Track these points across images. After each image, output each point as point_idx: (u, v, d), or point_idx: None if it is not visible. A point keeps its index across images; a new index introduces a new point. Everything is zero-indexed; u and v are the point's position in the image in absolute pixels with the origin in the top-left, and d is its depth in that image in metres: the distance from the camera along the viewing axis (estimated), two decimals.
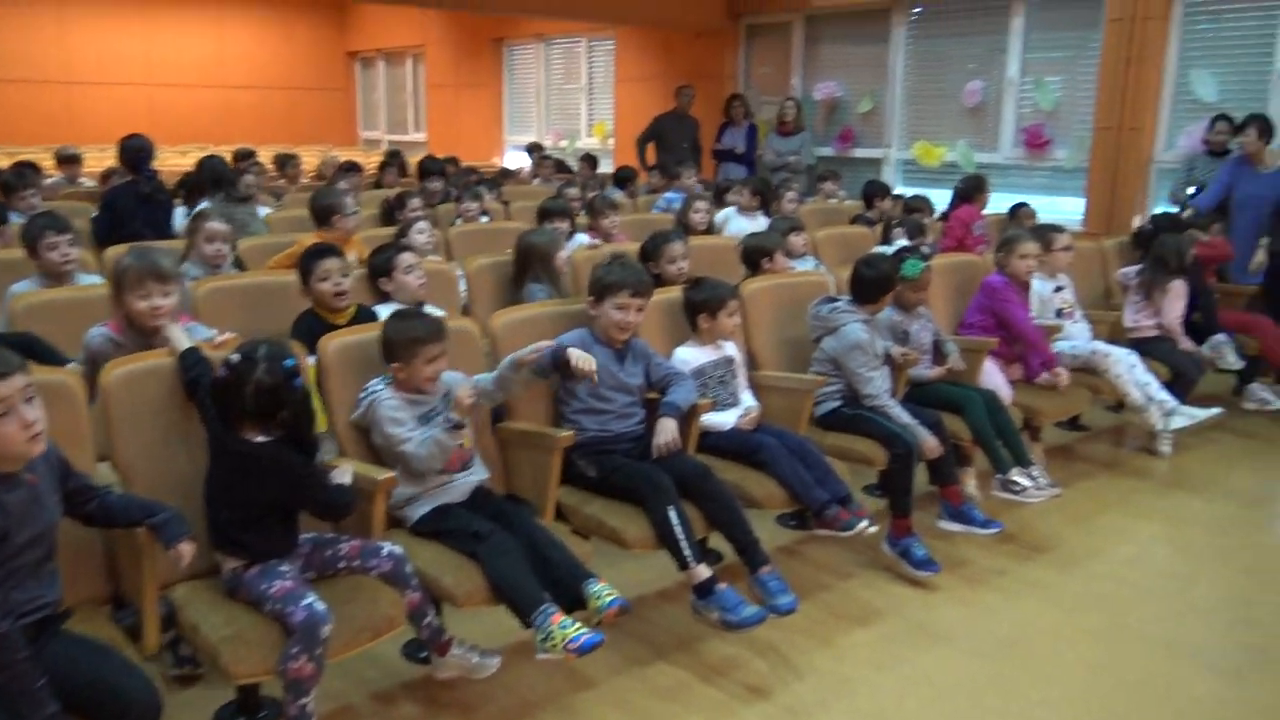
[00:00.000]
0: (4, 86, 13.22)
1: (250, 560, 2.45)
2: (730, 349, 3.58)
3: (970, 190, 6.48)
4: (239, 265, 4.47)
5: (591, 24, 11.34)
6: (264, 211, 6.32)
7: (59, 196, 6.89)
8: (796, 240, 5.14)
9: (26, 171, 6.12)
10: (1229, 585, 3.65)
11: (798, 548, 3.90)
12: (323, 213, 4.77)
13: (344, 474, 2.58)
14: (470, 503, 2.90)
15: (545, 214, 5.24)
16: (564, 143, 12.38)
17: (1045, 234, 4.88)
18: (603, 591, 2.61)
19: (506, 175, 8.86)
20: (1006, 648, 3.18)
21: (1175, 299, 5.08)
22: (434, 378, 2.86)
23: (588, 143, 12.12)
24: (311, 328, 3.32)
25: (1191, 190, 6.49)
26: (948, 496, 3.75)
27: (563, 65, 12.63)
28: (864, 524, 3.22)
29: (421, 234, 5.01)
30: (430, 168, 7.32)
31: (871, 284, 3.76)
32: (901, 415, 3.63)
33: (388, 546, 2.60)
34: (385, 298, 3.93)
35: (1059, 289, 4.90)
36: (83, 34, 13.83)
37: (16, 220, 5.37)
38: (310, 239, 4.64)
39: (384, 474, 2.67)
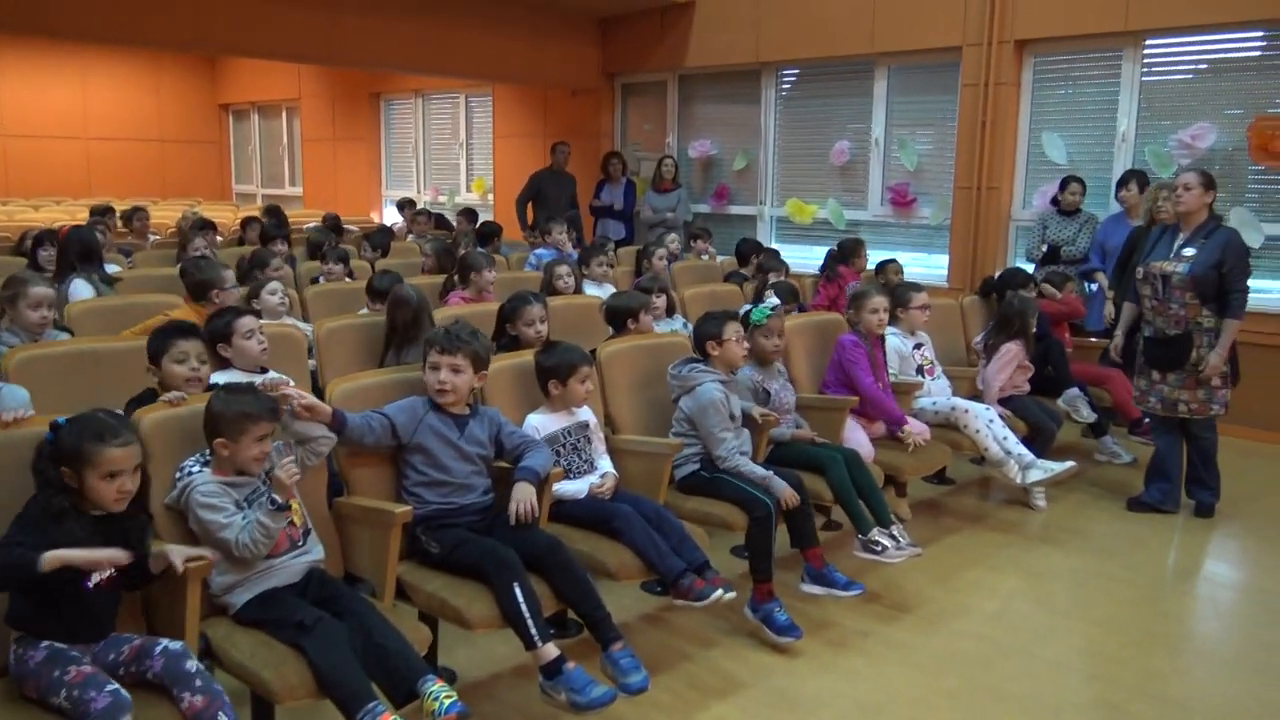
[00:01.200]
0: None
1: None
2: (585, 414, 3.48)
3: (847, 253, 6.57)
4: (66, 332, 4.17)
5: (469, 81, 11.29)
6: (113, 269, 6.00)
7: None
8: (658, 301, 5.10)
9: None
10: (1087, 639, 3.69)
11: (662, 615, 3.79)
12: (199, 288, 4.40)
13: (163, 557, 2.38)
14: (302, 585, 2.71)
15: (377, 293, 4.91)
16: (443, 198, 12.24)
17: (902, 292, 4.95)
18: (440, 693, 2.43)
19: (386, 233, 8.57)
20: (869, 715, 3.12)
21: (1002, 359, 5.16)
22: (261, 459, 2.68)
23: (467, 198, 12.00)
24: None
25: (1045, 248, 6.73)
26: (809, 559, 3.70)
27: (441, 120, 12.52)
28: (719, 593, 3.13)
29: (273, 295, 4.80)
30: (271, 232, 7.18)
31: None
32: (755, 471, 3.58)
33: (164, 643, 2.37)
34: (225, 364, 3.71)
35: (918, 346, 4.97)
36: None
37: None
38: (184, 313, 4.36)
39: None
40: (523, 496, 3.01)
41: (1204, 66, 6.72)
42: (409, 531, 2.94)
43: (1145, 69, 6.89)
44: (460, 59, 9.09)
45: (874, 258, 6.82)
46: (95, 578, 2.33)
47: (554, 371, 3.40)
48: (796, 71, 8.86)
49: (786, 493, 3.55)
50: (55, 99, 14.24)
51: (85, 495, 2.34)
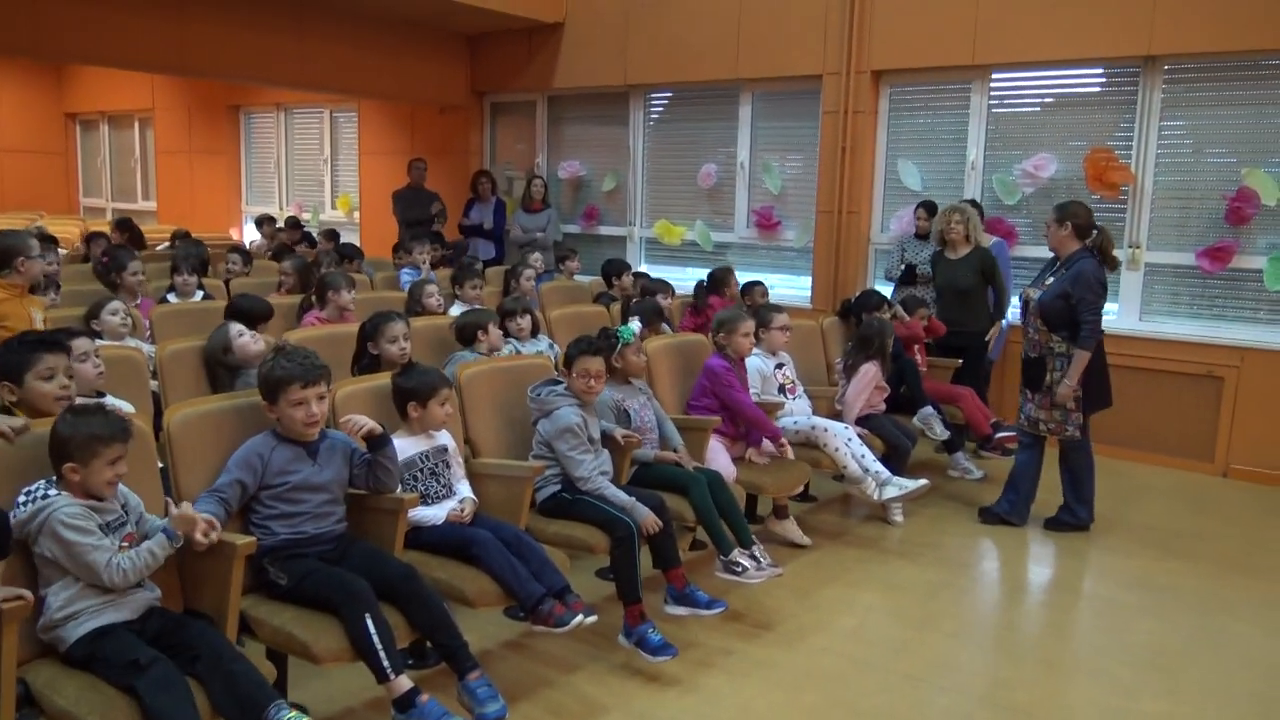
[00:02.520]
0: None
1: None
2: (444, 438, 3.41)
3: (718, 283, 6.63)
4: None
5: (333, 95, 11.03)
6: None
7: None
8: (522, 322, 5.05)
9: None
10: (937, 651, 3.80)
11: (524, 641, 3.74)
12: (5, 255, 4.13)
13: None
14: (139, 623, 2.56)
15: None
16: (307, 214, 11.89)
17: (763, 313, 5.04)
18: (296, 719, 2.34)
19: (239, 251, 8.18)
20: None
21: (861, 381, 5.32)
22: (115, 482, 2.56)
23: (332, 215, 11.70)
24: None
25: (904, 267, 6.98)
26: (672, 580, 3.70)
27: (305, 135, 12.19)
28: (579, 618, 3.09)
29: (114, 314, 4.56)
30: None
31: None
32: (618, 496, 3.57)
33: None
34: None
35: (780, 366, 5.07)
36: None
37: None
38: None
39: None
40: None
41: (1049, 100, 7.10)
42: (254, 563, 2.81)
43: (993, 101, 7.24)
44: (323, 73, 8.85)
45: (741, 279, 6.93)
46: None
47: (413, 393, 3.32)
48: (666, 95, 8.96)
49: (648, 520, 3.55)
50: None
51: None
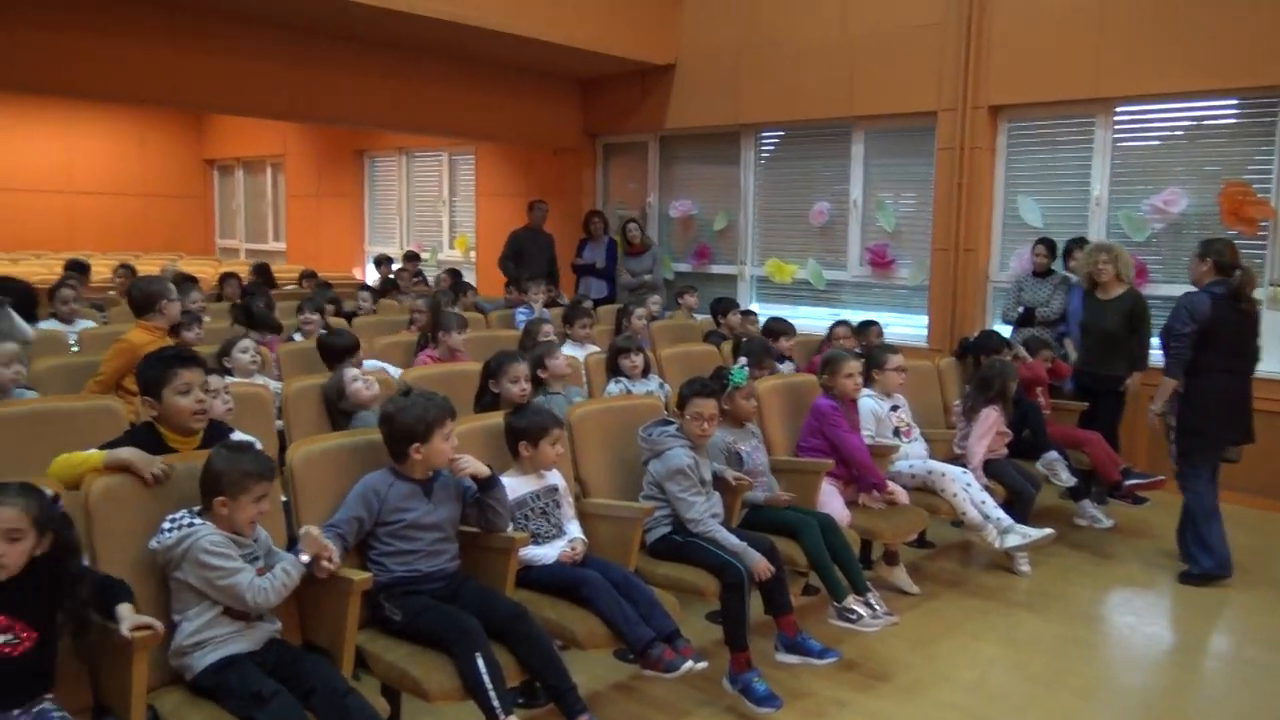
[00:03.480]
0: None
1: None
2: (554, 477, 3.43)
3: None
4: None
5: (452, 139, 11.38)
6: (84, 325, 5.96)
7: None
8: (635, 360, 5.07)
9: None
10: (1065, 710, 3.61)
11: (634, 684, 3.70)
12: (145, 300, 4.45)
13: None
14: (261, 655, 2.63)
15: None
16: (425, 254, 12.23)
17: (877, 354, 4.94)
18: None
19: (368, 290, 8.42)
20: None
21: (983, 426, 5.11)
22: (256, 520, 2.67)
23: (450, 255, 12.02)
24: (149, 447, 2.82)
25: (1021, 309, 6.76)
26: (783, 627, 3.62)
27: (425, 178, 12.59)
28: (689, 664, 3.05)
29: (244, 353, 4.74)
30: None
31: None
32: (730, 540, 3.52)
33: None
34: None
35: (895, 408, 4.94)
36: None
37: None
38: (138, 333, 4.36)
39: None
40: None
41: (1178, 132, 6.82)
42: (370, 599, 2.87)
43: (1118, 134, 6.99)
44: (444, 118, 9.16)
45: (855, 318, 6.81)
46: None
47: (526, 433, 3.35)
48: (778, 133, 8.95)
49: (760, 566, 3.49)
50: (40, 152, 14.25)
51: None
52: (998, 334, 5.96)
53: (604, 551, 3.42)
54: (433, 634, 2.79)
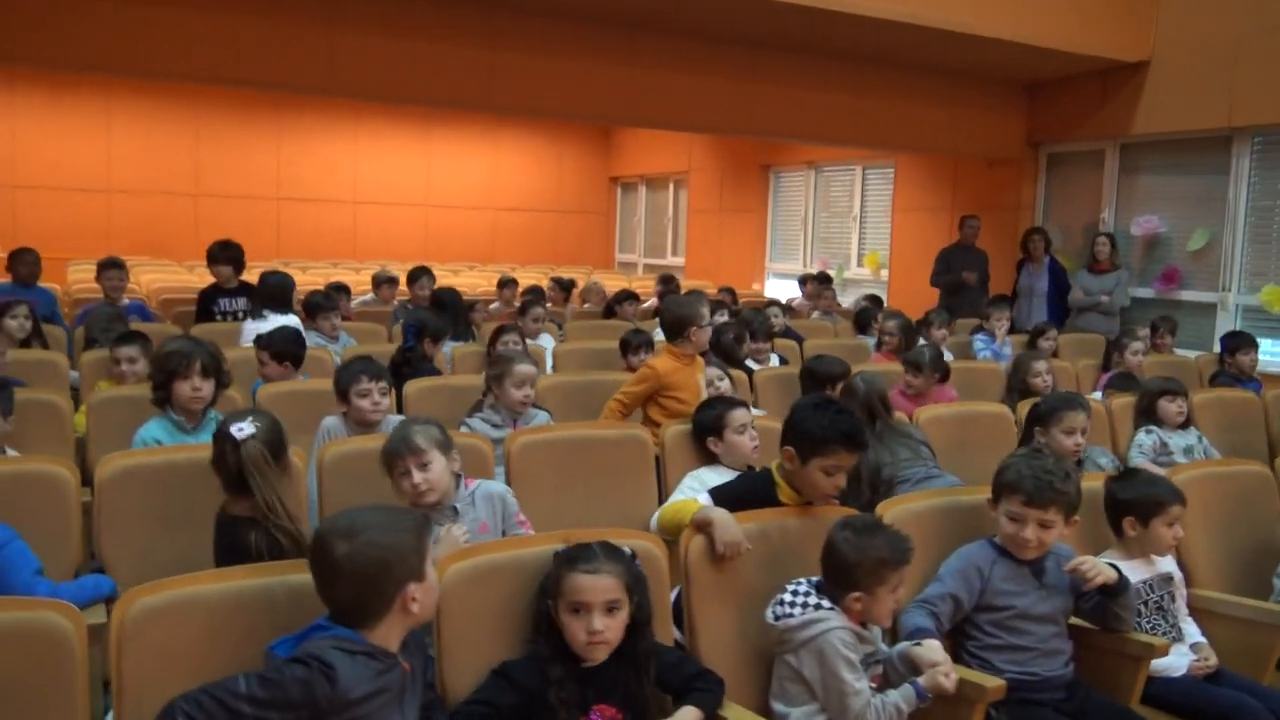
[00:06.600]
0: (301, 205, 14.23)
1: None
2: (1167, 564, 2.77)
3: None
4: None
5: (869, 151, 10.87)
6: (549, 344, 6.04)
7: (354, 316, 6.82)
8: (1179, 405, 4.25)
9: (333, 293, 6.07)
10: None
11: None
12: (677, 325, 4.24)
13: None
14: None
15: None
16: (831, 271, 11.83)
17: None
18: None
19: (778, 305, 8.14)
20: None
21: None
22: (890, 617, 2.31)
23: (857, 272, 11.54)
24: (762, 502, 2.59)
25: None
26: None
27: (834, 192, 12.18)
28: None
29: (723, 381, 4.48)
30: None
31: None
32: None
33: None
34: (711, 459, 3.40)
35: None
36: (370, 158, 14.71)
37: (318, 343, 5.32)
38: (665, 361, 4.19)
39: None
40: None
41: None
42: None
43: None
44: (865, 128, 8.64)
45: None
46: None
47: (1134, 506, 2.72)
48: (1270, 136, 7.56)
49: None
50: (471, 172, 15.46)
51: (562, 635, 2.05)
52: None
53: (1227, 663, 2.71)
54: None
